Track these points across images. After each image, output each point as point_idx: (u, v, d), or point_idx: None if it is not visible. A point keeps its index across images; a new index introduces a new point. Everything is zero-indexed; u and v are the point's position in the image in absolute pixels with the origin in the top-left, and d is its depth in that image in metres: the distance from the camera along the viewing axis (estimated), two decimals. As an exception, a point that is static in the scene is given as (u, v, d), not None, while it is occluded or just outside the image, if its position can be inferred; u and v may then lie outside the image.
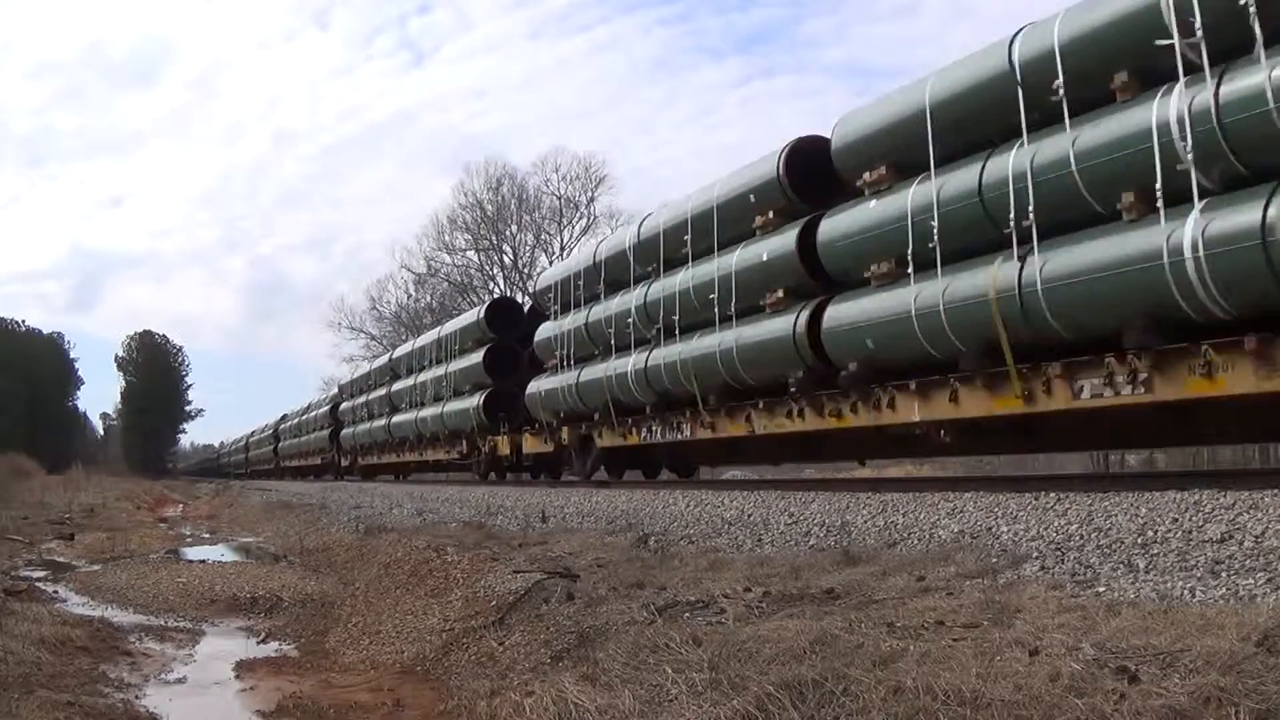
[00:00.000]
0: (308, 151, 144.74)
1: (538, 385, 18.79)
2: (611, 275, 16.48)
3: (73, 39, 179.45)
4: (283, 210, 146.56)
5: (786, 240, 11.80)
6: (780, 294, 11.86)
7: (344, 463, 38.40)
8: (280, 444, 55.24)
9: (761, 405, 12.16)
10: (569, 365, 17.37)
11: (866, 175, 10.50)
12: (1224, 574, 4.72)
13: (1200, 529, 5.57)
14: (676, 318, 13.83)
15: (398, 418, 29.61)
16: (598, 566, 7.29)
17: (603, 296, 16.59)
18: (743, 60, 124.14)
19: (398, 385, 30.44)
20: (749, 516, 9.37)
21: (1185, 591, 4.53)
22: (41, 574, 12.28)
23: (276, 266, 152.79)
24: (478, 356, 22.72)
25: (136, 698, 6.06)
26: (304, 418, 49.02)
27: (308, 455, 46.28)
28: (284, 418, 56.84)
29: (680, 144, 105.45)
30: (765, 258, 12.13)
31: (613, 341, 15.64)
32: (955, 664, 3.56)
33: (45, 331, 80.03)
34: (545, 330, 18.96)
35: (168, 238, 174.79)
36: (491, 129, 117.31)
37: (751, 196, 12.57)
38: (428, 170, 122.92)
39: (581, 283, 17.42)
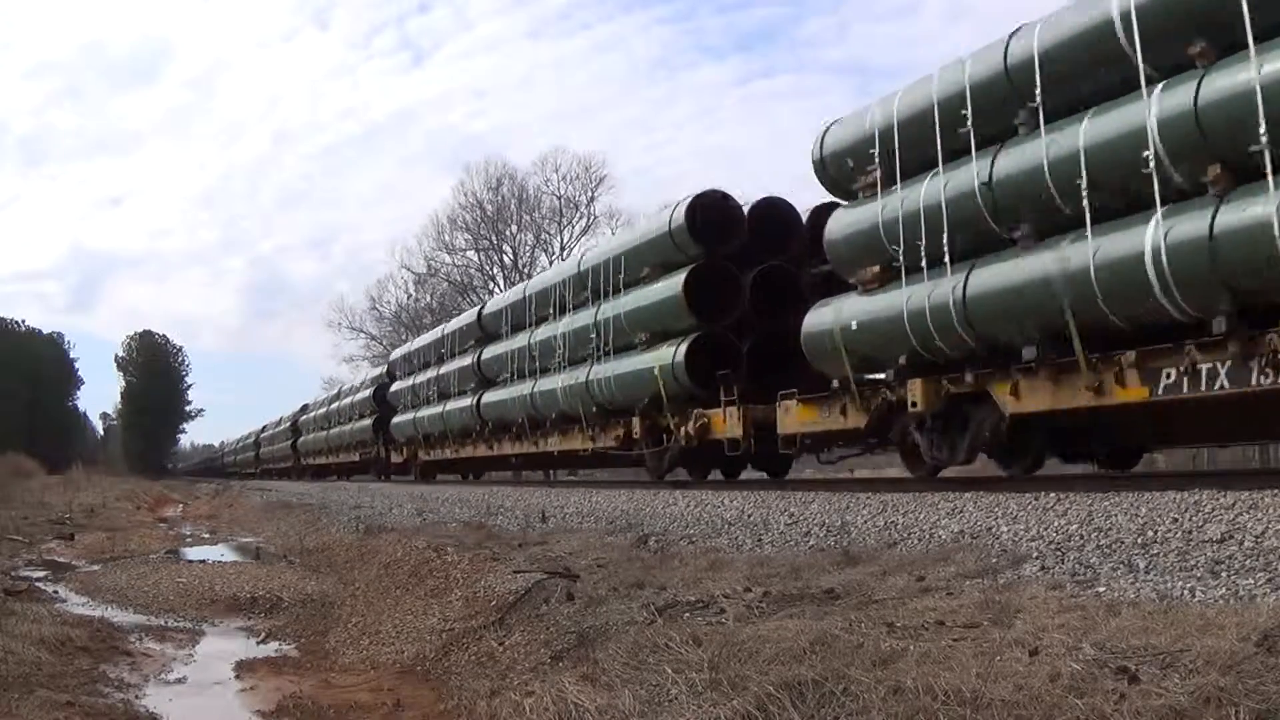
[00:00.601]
0: (307, 151, 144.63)
1: (833, 313, 10.97)
2: (1078, 73, 8.49)
3: (72, 38, 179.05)
4: (283, 210, 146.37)
5: None
6: None
7: (396, 459, 30.47)
8: (301, 438, 47.94)
9: None
10: (930, 267, 9.58)
11: None
12: (1224, 574, 4.72)
13: (1200, 529, 5.57)
14: None
15: (492, 395, 21.51)
16: (598, 566, 7.30)
17: (1034, 126, 8.71)
18: (743, 59, 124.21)
19: (491, 351, 22.29)
20: (749, 516, 9.37)
21: (1185, 591, 4.53)
22: (41, 574, 12.29)
23: (276, 266, 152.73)
24: (671, 286, 14.45)
25: (136, 698, 6.06)
26: (334, 406, 41.06)
27: (340, 451, 38.81)
28: (305, 408, 50.02)
29: (680, 144, 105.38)
30: None
31: (1085, 202, 8.05)
32: (955, 664, 3.56)
33: (45, 331, 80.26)
34: (849, 219, 10.95)
35: (168, 238, 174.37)
36: (491, 129, 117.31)
37: None
38: (428, 170, 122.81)
39: (968, 111, 9.28)
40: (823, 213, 12.67)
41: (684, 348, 14.00)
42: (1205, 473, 10.16)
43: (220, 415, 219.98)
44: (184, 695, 6.34)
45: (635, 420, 15.28)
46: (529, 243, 52.97)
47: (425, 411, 26.69)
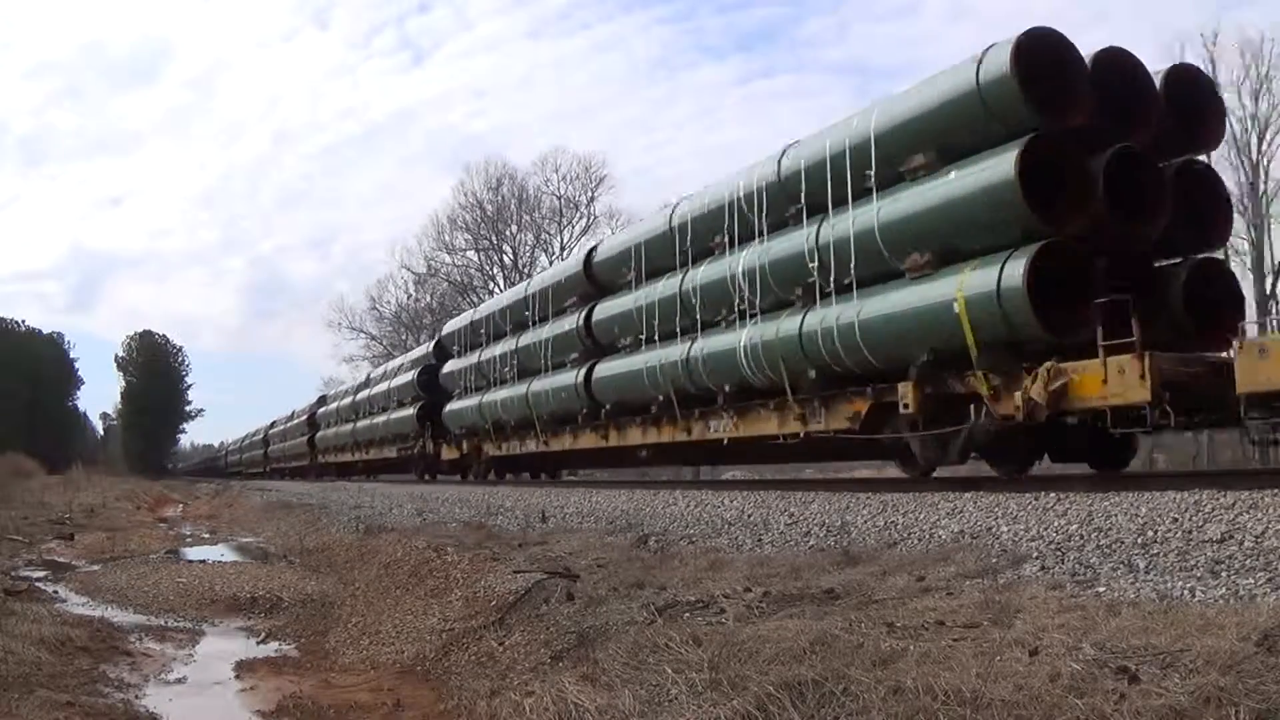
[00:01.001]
0: (307, 151, 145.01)
1: None
2: None
3: (72, 38, 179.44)
4: (283, 210, 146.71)
5: None
6: None
7: (448, 454, 24.97)
8: (320, 433, 43.16)
9: None
10: None
11: None
12: (1224, 574, 4.73)
13: (1200, 529, 5.58)
14: None
15: (611, 366, 16.32)
16: (598, 566, 7.30)
17: None
18: (743, 59, 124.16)
19: (609, 307, 16.74)
20: (749, 516, 9.37)
21: (1185, 591, 4.53)
22: (41, 574, 12.29)
23: (276, 266, 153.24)
24: (990, 171, 9.07)
25: (136, 698, 6.06)
26: (361, 395, 35.63)
27: (370, 446, 33.20)
28: (323, 399, 46.34)
29: (681, 144, 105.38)
30: None
31: None
32: (955, 664, 3.56)
33: (45, 331, 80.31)
34: None
35: (168, 238, 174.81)
36: (491, 129, 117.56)
37: None
38: (428, 170, 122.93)
39: None
40: (1179, 76, 9.77)
41: (1022, 264, 8.62)
42: (1205, 473, 10.13)
43: (220, 415, 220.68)
44: (184, 695, 6.34)
45: (907, 387, 9.91)
46: (529, 243, 53.15)
47: (497, 394, 21.02)
